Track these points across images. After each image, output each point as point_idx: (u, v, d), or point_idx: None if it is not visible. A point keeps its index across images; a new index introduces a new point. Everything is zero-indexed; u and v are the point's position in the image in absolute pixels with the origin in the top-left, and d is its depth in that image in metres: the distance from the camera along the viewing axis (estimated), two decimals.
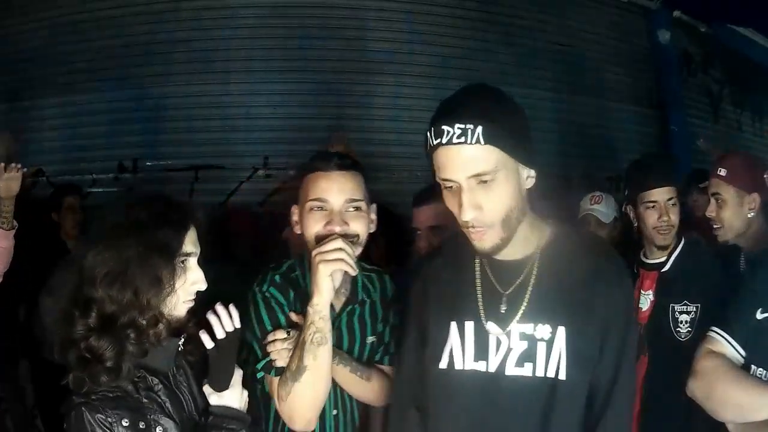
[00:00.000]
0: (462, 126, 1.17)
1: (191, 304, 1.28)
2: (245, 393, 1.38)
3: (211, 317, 1.29)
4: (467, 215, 1.19)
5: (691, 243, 2.17)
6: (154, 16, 4.36)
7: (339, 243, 1.40)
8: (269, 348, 1.50)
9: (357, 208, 1.50)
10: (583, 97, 4.91)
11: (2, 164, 2.45)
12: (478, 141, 1.16)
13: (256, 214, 4.11)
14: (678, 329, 2.05)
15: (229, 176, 4.25)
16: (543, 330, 1.25)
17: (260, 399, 1.60)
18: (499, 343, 1.28)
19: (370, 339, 1.63)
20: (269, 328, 1.53)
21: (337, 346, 1.55)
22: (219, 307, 1.29)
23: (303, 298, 1.53)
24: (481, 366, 1.29)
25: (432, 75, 4.46)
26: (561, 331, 1.24)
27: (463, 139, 1.16)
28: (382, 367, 1.63)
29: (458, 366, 1.31)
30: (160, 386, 1.24)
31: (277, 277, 1.59)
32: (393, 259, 2.62)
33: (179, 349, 1.31)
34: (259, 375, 1.52)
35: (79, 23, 4.43)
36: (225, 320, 1.28)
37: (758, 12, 4.71)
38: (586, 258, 1.28)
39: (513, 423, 1.26)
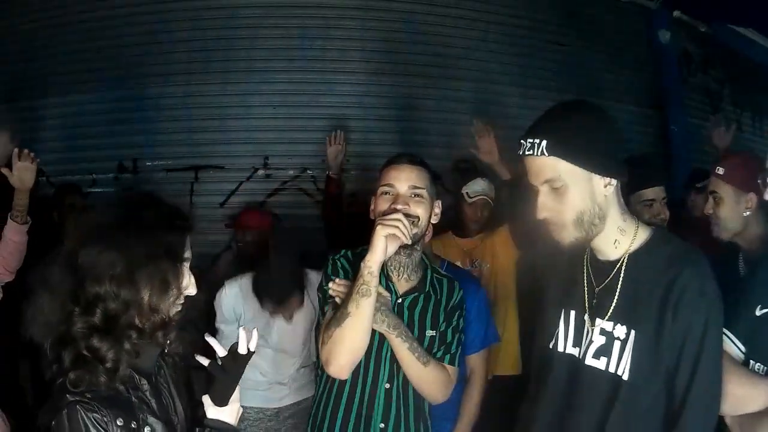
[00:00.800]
0: (531, 140, 1.38)
1: (180, 308, 1.28)
2: (241, 409, 1.41)
3: (210, 340, 1.38)
4: (540, 214, 1.40)
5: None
6: (154, 16, 4.36)
7: (398, 215, 1.65)
8: (331, 285, 1.75)
9: (419, 195, 1.75)
10: (583, 97, 4.90)
11: (16, 150, 2.41)
12: (542, 153, 1.36)
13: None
14: None
15: (229, 176, 4.25)
16: (620, 330, 1.39)
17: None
18: (587, 333, 1.45)
19: (430, 333, 1.80)
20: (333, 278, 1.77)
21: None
22: (241, 331, 1.35)
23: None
24: (576, 352, 1.47)
25: (432, 75, 4.45)
26: (633, 334, 1.36)
27: (531, 152, 1.38)
28: (444, 365, 1.78)
29: (560, 348, 1.50)
30: (147, 386, 1.25)
31: (349, 253, 1.85)
32: None
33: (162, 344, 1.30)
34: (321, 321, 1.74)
35: (79, 23, 4.43)
36: (242, 343, 1.35)
37: (758, 12, 4.71)
38: (672, 268, 1.35)
39: (583, 408, 1.42)
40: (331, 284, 1.76)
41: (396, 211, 1.69)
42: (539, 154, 1.36)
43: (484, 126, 2.92)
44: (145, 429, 1.19)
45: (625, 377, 1.35)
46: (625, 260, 1.42)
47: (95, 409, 1.13)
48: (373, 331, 1.69)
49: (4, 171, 2.42)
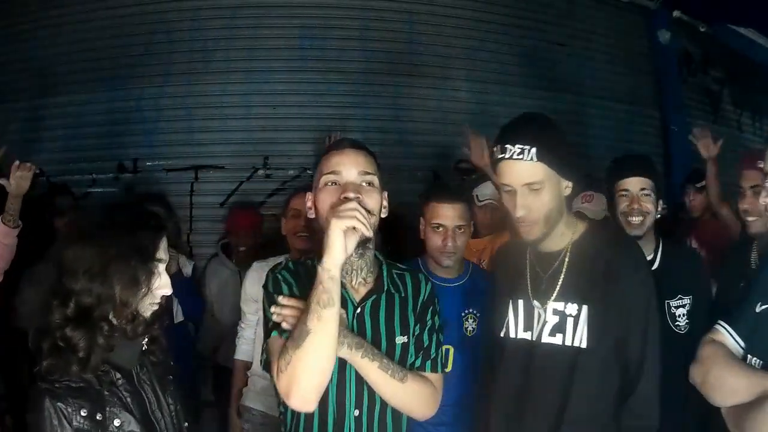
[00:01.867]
0: (521, 146, 1.53)
1: (156, 307, 1.36)
2: None
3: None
4: (520, 213, 1.57)
5: (669, 239, 2.26)
6: (154, 16, 4.36)
7: (353, 204, 1.37)
8: (273, 309, 1.44)
9: (370, 183, 1.48)
10: (583, 97, 4.91)
11: (17, 162, 2.50)
12: (531, 158, 1.53)
13: None
14: (677, 323, 2.08)
15: (229, 176, 4.25)
16: (571, 308, 1.59)
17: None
18: (539, 316, 1.63)
19: (401, 339, 1.53)
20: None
21: None
22: None
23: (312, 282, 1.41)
24: (527, 335, 1.65)
25: (432, 75, 4.45)
26: (584, 309, 1.57)
27: (521, 156, 1.54)
28: (426, 374, 1.53)
29: (512, 335, 1.68)
30: (122, 381, 1.30)
31: (290, 263, 1.59)
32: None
33: (143, 348, 1.38)
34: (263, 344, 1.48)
35: (79, 23, 4.43)
36: None
37: (758, 12, 4.71)
38: (608, 250, 1.61)
39: (543, 384, 1.60)
40: (273, 308, 1.44)
41: (348, 200, 1.41)
42: (528, 159, 1.53)
43: (474, 132, 2.95)
44: (114, 422, 1.23)
45: (583, 345, 1.56)
46: (569, 248, 1.64)
47: (61, 399, 1.19)
48: None
49: (2, 182, 2.50)
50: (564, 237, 1.65)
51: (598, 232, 1.69)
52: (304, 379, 1.34)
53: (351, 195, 1.43)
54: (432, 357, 1.56)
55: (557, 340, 1.59)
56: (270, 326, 1.46)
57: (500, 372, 1.71)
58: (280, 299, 1.45)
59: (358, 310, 1.52)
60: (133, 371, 1.34)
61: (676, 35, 5.42)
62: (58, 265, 1.27)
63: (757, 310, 1.48)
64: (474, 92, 4.52)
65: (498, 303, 1.76)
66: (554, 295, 1.62)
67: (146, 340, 1.38)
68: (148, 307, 1.34)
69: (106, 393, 1.25)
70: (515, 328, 1.68)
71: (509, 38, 4.71)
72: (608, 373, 1.57)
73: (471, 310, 2.28)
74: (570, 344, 1.57)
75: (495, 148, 1.59)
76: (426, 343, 1.56)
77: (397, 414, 1.53)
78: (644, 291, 1.59)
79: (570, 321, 1.59)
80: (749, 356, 1.47)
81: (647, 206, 2.17)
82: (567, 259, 1.63)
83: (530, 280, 1.68)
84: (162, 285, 1.35)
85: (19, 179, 2.47)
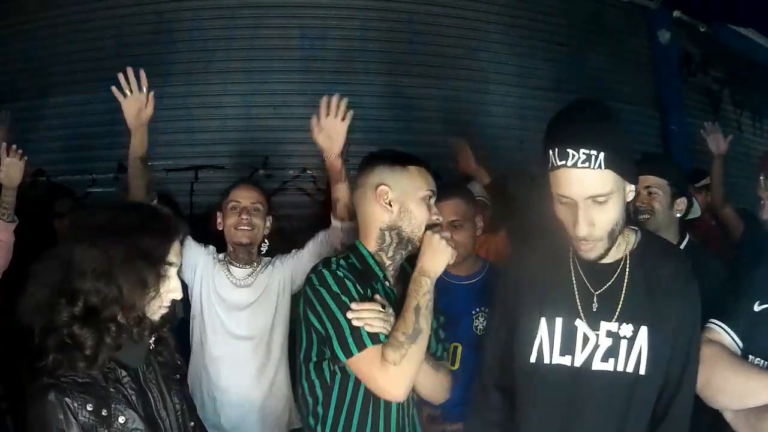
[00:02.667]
0: (587, 152, 1.28)
1: (166, 310, 1.36)
2: None
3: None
4: (583, 231, 1.33)
5: (691, 243, 2.20)
6: (154, 16, 4.36)
7: (447, 233, 1.61)
8: (360, 316, 1.51)
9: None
10: (583, 97, 4.90)
11: (4, 145, 2.36)
12: (600, 166, 1.28)
13: None
14: None
15: (229, 176, 4.25)
16: (626, 329, 1.38)
17: (322, 389, 1.58)
18: (586, 339, 1.40)
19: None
20: (347, 300, 1.53)
21: None
22: None
23: (365, 278, 1.60)
24: (566, 360, 1.41)
25: (432, 75, 4.46)
26: (643, 330, 1.37)
27: (587, 165, 1.28)
28: (444, 362, 1.72)
29: (546, 360, 1.43)
30: (128, 379, 1.30)
31: (341, 261, 1.62)
32: None
33: (150, 348, 1.38)
34: (353, 352, 1.49)
35: (79, 23, 4.43)
36: None
37: (758, 12, 4.70)
38: (665, 263, 1.42)
39: (595, 415, 1.38)
40: (350, 314, 1.51)
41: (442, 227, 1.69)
42: (596, 167, 1.28)
43: (455, 139, 3.02)
44: (119, 419, 1.24)
45: (642, 372, 1.36)
46: (628, 259, 1.42)
47: (67, 394, 1.19)
48: None
49: None
50: (620, 248, 1.43)
51: (651, 240, 1.50)
52: (413, 372, 1.52)
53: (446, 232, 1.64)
54: (446, 348, 1.76)
55: (609, 365, 1.38)
56: (369, 336, 1.51)
57: (531, 403, 1.46)
58: (353, 305, 1.52)
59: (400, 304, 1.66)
60: (139, 370, 1.35)
61: (676, 35, 5.42)
62: (66, 263, 1.27)
63: (756, 309, 1.45)
64: (474, 92, 4.52)
65: (521, 320, 1.48)
66: (616, 315, 1.39)
67: (153, 339, 1.38)
68: (157, 310, 1.34)
69: (112, 390, 1.26)
70: (550, 351, 1.43)
71: (509, 38, 4.71)
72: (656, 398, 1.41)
73: (482, 308, 2.23)
74: (623, 370, 1.37)
75: (551, 153, 1.33)
76: (442, 336, 1.73)
77: (416, 402, 1.70)
78: (693, 308, 1.42)
79: (624, 344, 1.38)
80: (750, 356, 1.44)
81: (653, 204, 2.17)
82: (627, 274, 1.41)
83: (579, 298, 1.43)
84: (172, 289, 1.34)
85: (10, 166, 2.33)
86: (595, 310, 1.41)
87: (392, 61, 4.42)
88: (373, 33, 4.43)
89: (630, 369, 1.37)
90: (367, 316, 1.51)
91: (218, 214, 2.47)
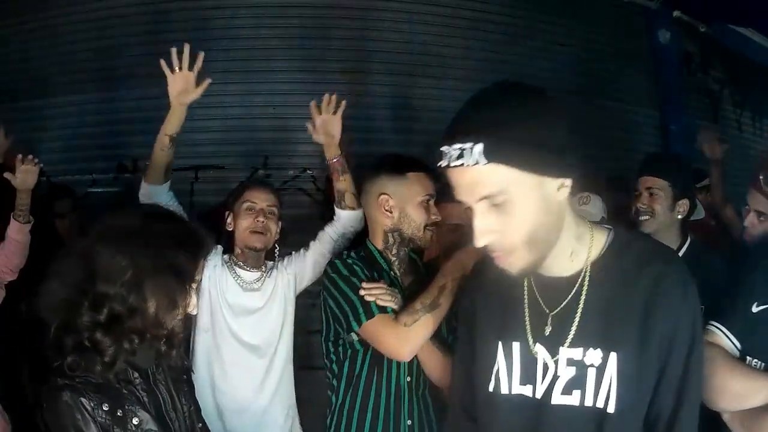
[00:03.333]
0: (460, 145, 1.05)
1: (179, 320, 1.36)
2: None
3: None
4: (480, 242, 1.09)
5: (693, 244, 2.20)
6: (154, 16, 4.35)
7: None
8: (371, 292, 1.76)
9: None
10: (583, 97, 4.91)
11: (20, 156, 2.54)
12: (477, 161, 1.03)
13: None
14: None
15: (229, 176, 4.25)
16: (593, 355, 1.13)
17: (338, 362, 1.84)
18: (546, 367, 1.17)
19: None
20: (356, 281, 1.80)
21: None
22: None
23: (374, 267, 1.87)
24: (527, 390, 1.19)
25: (432, 75, 4.45)
26: (613, 357, 1.11)
27: (460, 161, 1.05)
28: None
29: (504, 390, 1.21)
30: (139, 381, 1.31)
31: (353, 253, 1.92)
32: None
33: (161, 351, 1.37)
34: (363, 320, 1.73)
35: (79, 23, 4.43)
36: None
37: (758, 12, 4.70)
38: (643, 270, 1.13)
39: None
40: (362, 291, 1.78)
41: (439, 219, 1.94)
42: (473, 163, 1.03)
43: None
44: (133, 420, 1.24)
45: (611, 410, 1.11)
46: (587, 272, 1.16)
47: (83, 394, 1.19)
48: None
49: (8, 175, 2.51)
50: (577, 257, 1.17)
51: (627, 242, 1.19)
52: (422, 337, 1.71)
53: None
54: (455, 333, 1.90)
55: (573, 399, 1.14)
56: (377, 306, 1.76)
57: None
58: (364, 284, 1.78)
59: (406, 294, 1.86)
60: (149, 371, 1.35)
61: (676, 35, 5.41)
62: (88, 263, 1.24)
63: (754, 310, 1.45)
64: (474, 92, 4.50)
65: (480, 344, 1.27)
66: (569, 339, 1.14)
67: (163, 341, 1.37)
68: (177, 323, 1.34)
69: (125, 391, 1.26)
70: (508, 381, 1.21)
71: (509, 38, 4.70)
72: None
73: None
74: (592, 405, 1.12)
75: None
76: (454, 324, 1.78)
77: (430, 385, 1.85)
78: (690, 323, 1.14)
79: (591, 373, 1.13)
80: (748, 358, 1.45)
81: (654, 205, 2.18)
82: (586, 288, 1.15)
83: (530, 318, 1.20)
84: (191, 304, 1.35)
85: (25, 173, 2.49)
86: (547, 334, 1.17)
87: (392, 62, 4.41)
88: (373, 33, 4.43)
89: (600, 404, 1.12)
90: (377, 292, 1.75)
91: (228, 213, 2.37)
